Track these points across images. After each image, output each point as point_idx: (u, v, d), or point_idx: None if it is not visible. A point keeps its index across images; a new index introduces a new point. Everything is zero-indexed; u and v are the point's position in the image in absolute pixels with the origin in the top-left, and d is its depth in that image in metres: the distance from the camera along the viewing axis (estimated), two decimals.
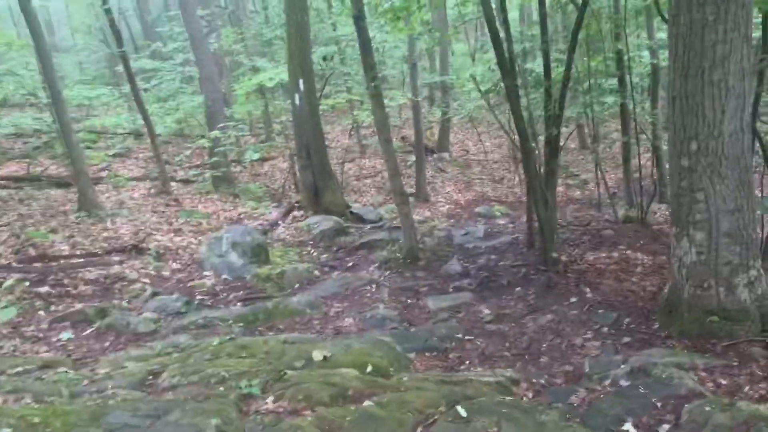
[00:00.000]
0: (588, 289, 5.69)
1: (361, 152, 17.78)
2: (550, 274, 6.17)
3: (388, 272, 6.95)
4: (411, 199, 13.86)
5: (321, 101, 13.09)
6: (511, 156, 18.15)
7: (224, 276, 6.57)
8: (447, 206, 13.36)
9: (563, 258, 6.67)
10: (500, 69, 5.82)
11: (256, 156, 11.94)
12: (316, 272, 7.16)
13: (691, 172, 4.25)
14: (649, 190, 10.73)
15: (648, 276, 6.36)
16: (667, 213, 11.65)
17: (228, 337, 4.39)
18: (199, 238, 8.27)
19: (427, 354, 4.35)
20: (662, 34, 13.46)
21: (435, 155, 17.61)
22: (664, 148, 11.13)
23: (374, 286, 6.41)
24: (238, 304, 5.87)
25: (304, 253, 8.00)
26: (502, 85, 7.01)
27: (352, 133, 17.76)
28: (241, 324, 5.03)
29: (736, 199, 4.20)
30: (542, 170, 6.71)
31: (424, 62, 23.35)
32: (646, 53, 12.85)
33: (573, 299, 5.52)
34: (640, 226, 9.33)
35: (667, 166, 12.77)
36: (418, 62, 15.17)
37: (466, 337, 4.87)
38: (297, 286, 6.58)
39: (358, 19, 6.44)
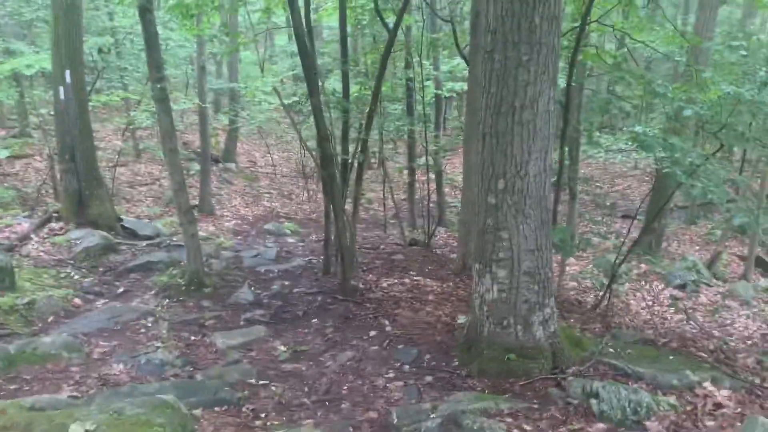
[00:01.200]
0: (387, 322, 5.49)
1: (136, 156, 16.13)
2: (348, 303, 5.88)
3: (168, 301, 6.09)
4: (194, 211, 12.86)
5: (91, 97, 11.53)
6: (299, 171, 17.95)
7: None
8: (234, 221, 12.59)
9: (359, 285, 6.45)
10: (308, 85, 5.41)
11: (4, 153, 10.01)
12: (77, 300, 6.02)
13: (497, 210, 4.23)
14: (433, 214, 11.17)
15: (440, 305, 6.39)
16: (446, 236, 12.27)
17: None
18: None
19: (216, 409, 3.71)
20: (445, 67, 14.35)
21: (220, 165, 16.66)
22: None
23: (151, 319, 5.53)
24: None
25: (63, 275, 6.73)
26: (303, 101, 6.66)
27: (127, 134, 16.04)
28: None
29: (536, 239, 4.27)
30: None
31: (210, 66, 22.17)
32: (429, 83, 13.50)
33: (372, 333, 5.27)
34: (425, 251, 9.58)
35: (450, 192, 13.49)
36: (206, 66, 14.18)
37: (261, 382, 4.32)
38: (51, 319, 5.42)
39: (145, 11, 5.57)
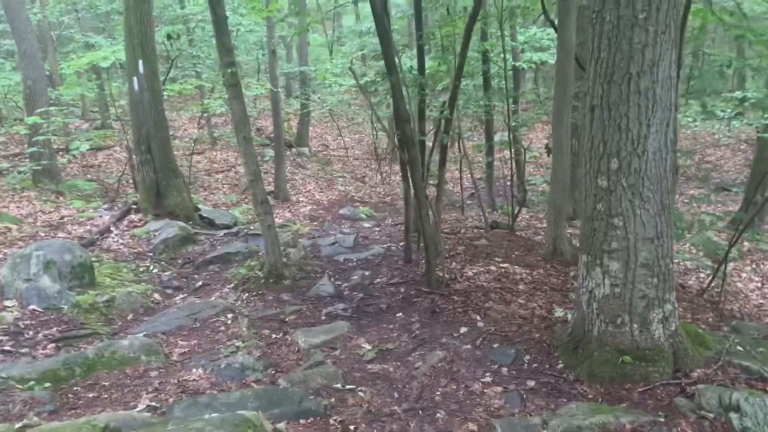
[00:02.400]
0: (478, 317, 5.04)
1: (212, 144, 16.25)
2: (433, 296, 5.48)
3: (247, 295, 5.88)
4: (269, 198, 12.78)
5: (166, 86, 11.55)
6: (371, 153, 17.64)
7: (33, 306, 5.09)
8: (309, 207, 12.42)
9: (444, 275, 6.02)
10: (386, 62, 4.99)
11: (85, 146, 10.14)
12: (157, 296, 5.91)
13: (609, 193, 3.69)
14: (516, 195, 10.56)
15: (532, 296, 5.89)
16: (528, 217, 11.63)
17: (18, 425, 3.08)
18: (5, 251, 6.61)
19: (302, 421, 3.40)
20: (521, 37, 13.55)
21: (294, 150, 16.57)
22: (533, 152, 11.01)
23: (230, 315, 5.32)
24: (50, 347, 4.49)
25: (142, 269, 6.66)
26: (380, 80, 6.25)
27: (202, 122, 16.17)
28: (49, 385, 3.72)
29: (656, 226, 3.71)
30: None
31: (280, 50, 22.17)
32: (509, 56, 12.76)
33: (463, 329, 4.84)
34: (509, 234, 9.03)
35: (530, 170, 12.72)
36: (276, 50, 14.00)
37: (347, 387, 3.99)
38: (131, 317, 5.30)
39: None
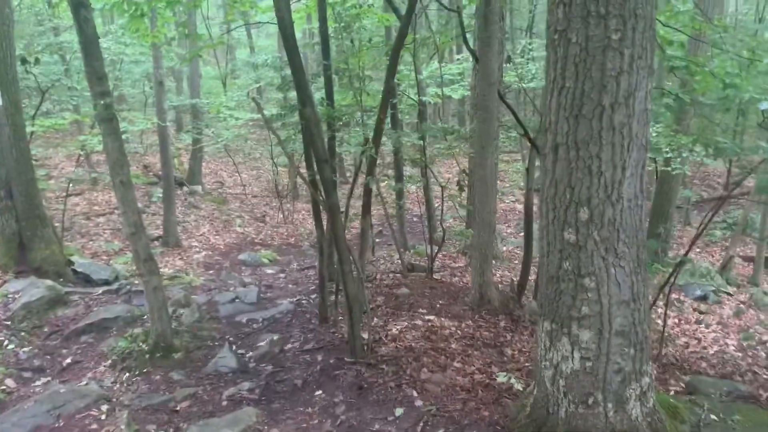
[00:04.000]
0: (414, 392, 4.26)
1: (93, 184, 14.62)
2: (359, 367, 4.64)
3: (128, 375, 4.77)
4: (157, 243, 11.46)
5: (37, 121, 10.08)
6: (271, 190, 16.63)
7: None
8: (204, 252, 11.22)
9: (365, 336, 5.21)
10: (298, 92, 4.19)
11: None
12: (10, 382, 4.67)
13: (578, 249, 3.07)
14: (431, 234, 9.98)
15: (468, 356, 5.21)
16: (442, 256, 11.09)
17: None
18: None
19: None
20: (426, 72, 13.22)
21: (185, 188, 15.26)
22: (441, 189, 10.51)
23: (105, 406, 4.20)
24: None
25: None
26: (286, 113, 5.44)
27: (81, 160, 14.54)
28: None
29: (632, 286, 3.12)
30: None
31: (170, 82, 20.81)
32: (412, 91, 12.35)
33: (398, 410, 4.04)
34: (429, 279, 8.39)
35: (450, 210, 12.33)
36: (164, 80, 12.82)
37: None
38: None
39: (79, 7, 4.29)
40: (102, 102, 4.40)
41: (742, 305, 9.62)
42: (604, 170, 2.93)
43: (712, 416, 3.68)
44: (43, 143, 16.00)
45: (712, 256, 13.00)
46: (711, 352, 7.43)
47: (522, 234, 14.06)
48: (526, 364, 5.16)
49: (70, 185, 12.26)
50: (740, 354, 7.65)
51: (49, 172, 15.03)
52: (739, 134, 16.37)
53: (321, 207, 4.84)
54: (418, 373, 4.57)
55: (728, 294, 10.47)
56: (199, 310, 6.46)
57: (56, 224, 9.72)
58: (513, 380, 4.64)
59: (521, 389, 4.53)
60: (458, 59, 16.21)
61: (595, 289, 3.08)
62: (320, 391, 4.41)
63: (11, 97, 7.47)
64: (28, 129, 9.06)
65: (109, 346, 5.33)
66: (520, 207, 16.36)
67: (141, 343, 5.14)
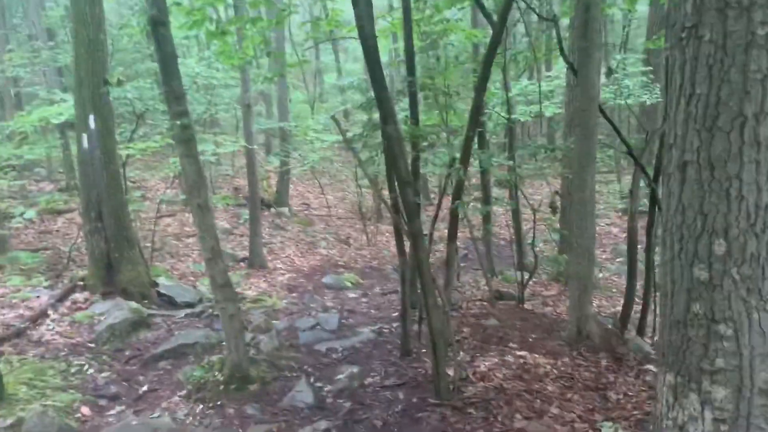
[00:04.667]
0: None
1: (185, 205, 15.02)
2: (443, 410, 4.22)
3: (202, 407, 4.57)
4: (243, 265, 11.51)
5: (131, 145, 10.40)
6: (356, 212, 16.52)
7: None
8: (288, 274, 11.15)
9: (452, 373, 4.77)
10: (380, 109, 3.89)
11: (32, 213, 8.90)
12: (85, 410, 4.57)
13: (712, 289, 2.53)
14: (522, 260, 9.43)
15: (567, 401, 4.66)
16: (532, 283, 10.43)
17: None
18: None
19: None
20: (515, 89, 12.68)
21: (273, 210, 15.41)
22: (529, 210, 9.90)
23: None
24: None
25: (75, 368, 5.33)
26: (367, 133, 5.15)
27: (175, 181, 14.99)
28: None
29: None
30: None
31: (260, 107, 21.32)
32: (501, 109, 11.86)
33: None
34: (519, 309, 7.84)
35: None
36: (253, 104, 13.00)
37: None
38: None
39: (157, 25, 4.20)
40: (179, 122, 4.28)
41: None
42: (745, 194, 2.40)
43: None
44: (141, 166, 16.67)
45: None
46: None
47: (619, 260, 13.17)
48: (634, 412, 4.55)
49: (162, 206, 12.60)
50: None
51: (145, 193, 15.60)
52: None
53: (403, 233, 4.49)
54: (511, 420, 4.08)
55: None
56: (279, 337, 6.23)
57: (147, 245, 9.94)
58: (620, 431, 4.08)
59: None
60: (548, 76, 15.60)
61: (734, 337, 2.52)
62: None
63: (103, 122, 7.65)
64: (125, 152, 9.33)
65: (185, 373, 5.17)
66: (615, 231, 15.40)
67: (217, 373, 4.94)
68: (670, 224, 2.64)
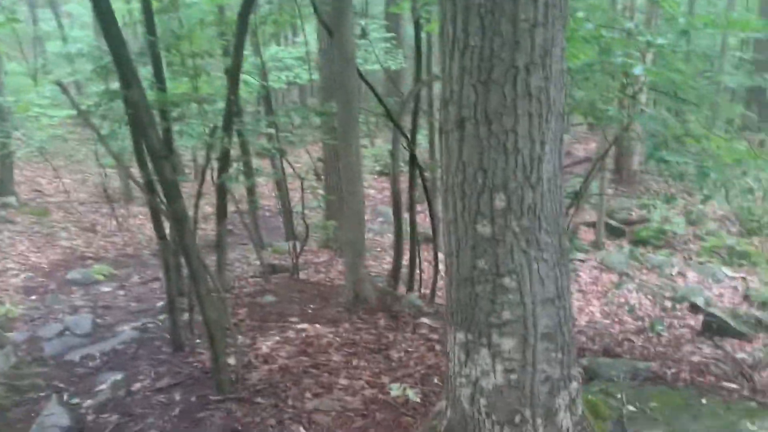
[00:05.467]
0: (302, 429, 3.56)
1: None
2: (228, 404, 3.84)
3: None
4: None
5: None
6: (101, 195, 14.79)
7: None
8: (23, 275, 9.51)
9: (231, 362, 4.39)
10: (120, 73, 3.23)
11: None
12: None
13: (495, 243, 2.54)
14: (297, 230, 9.23)
15: (354, 369, 4.60)
16: (305, 253, 10.34)
17: None
18: None
19: None
20: (268, 54, 12.30)
21: None
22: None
23: None
24: None
25: None
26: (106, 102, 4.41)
27: None
28: None
29: (556, 281, 2.65)
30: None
31: None
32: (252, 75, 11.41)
33: None
34: (294, 281, 7.67)
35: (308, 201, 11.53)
36: None
37: None
38: None
39: None
40: None
41: (615, 278, 9.91)
42: (521, 147, 2.41)
43: (630, 407, 3.39)
44: None
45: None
46: (583, 323, 7.50)
47: (379, 219, 13.77)
48: (417, 368, 4.66)
49: None
50: (608, 321, 7.82)
51: None
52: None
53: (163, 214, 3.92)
54: (301, 402, 3.86)
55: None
56: (18, 351, 5.21)
57: None
58: (408, 392, 4.11)
59: (419, 401, 4.01)
60: (296, 42, 15.45)
61: (517, 288, 2.57)
62: None
63: None
64: None
65: None
66: (373, 192, 16.06)
67: None
68: (451, 183, 2.58)
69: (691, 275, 9.98)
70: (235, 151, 12.80)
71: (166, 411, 3.94)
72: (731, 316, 7.17)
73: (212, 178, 7.01)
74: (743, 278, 9.72)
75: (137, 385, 4.41)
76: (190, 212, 4.65)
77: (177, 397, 4.11)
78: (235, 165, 13.58)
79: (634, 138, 11.87)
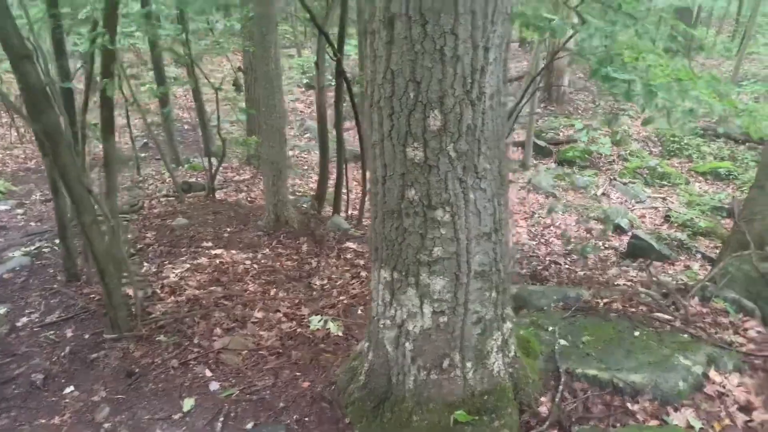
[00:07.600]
0: (207, 371, 3.19)
1: None
2: (125, 343, 3.42)
3: None
4: None
5: None
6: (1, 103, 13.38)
7: None
8: None
9: (134, 295, 3.94)
10: None
11: None
12: None
13: (427, 171, 2.16)
14: (211, 146, 8.56)
15: (272, 299, 4.25)
16: (225, 171, 9.72)
17: None
18: None
19: None
20: None
21: None
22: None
23: None
24: None
25: None
26: None
27: None
28: None
29: (494, 213, 2.33)
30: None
31: None
32: None
33: (187, 402, 2.96)
34: (210, 200, 7.13)
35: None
36: None
37: None
38: None
39: None
40: None
41: (542, 199, 9.84)
42: (461, 54, 2.00)
43: (563, 341, 3.21)
44: None
45: None
46: (510, 245, 7.39)
47: (306, 136, 13.15)
48: (341, 298, 4.36)
49: None
50: (534, 242, 7.76)
51: None
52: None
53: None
54: (209, 340, 3.49)
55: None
56: None
57: None
58: (330, 324, 3.82)
59: (341, 335, 3.73)
60: None
61: (451, 223, 2.23)
62: (72, 388, 3.14)
63: None
64: None
65: None
66: (300, 106, 15.34)
67: None
68: (378, 97, 2.15)
69: (615, 196, 10.06)
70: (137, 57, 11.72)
71: (54, 350, 3.49)
72: (655, 238, 7.24)
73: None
74: (663, 199, 9.89)
75: (24, 320, 3.92)
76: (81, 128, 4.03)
77: (68, 333, 3.65)
78: (143, 72, 12.48)
79: (569, 54, 11.61)
